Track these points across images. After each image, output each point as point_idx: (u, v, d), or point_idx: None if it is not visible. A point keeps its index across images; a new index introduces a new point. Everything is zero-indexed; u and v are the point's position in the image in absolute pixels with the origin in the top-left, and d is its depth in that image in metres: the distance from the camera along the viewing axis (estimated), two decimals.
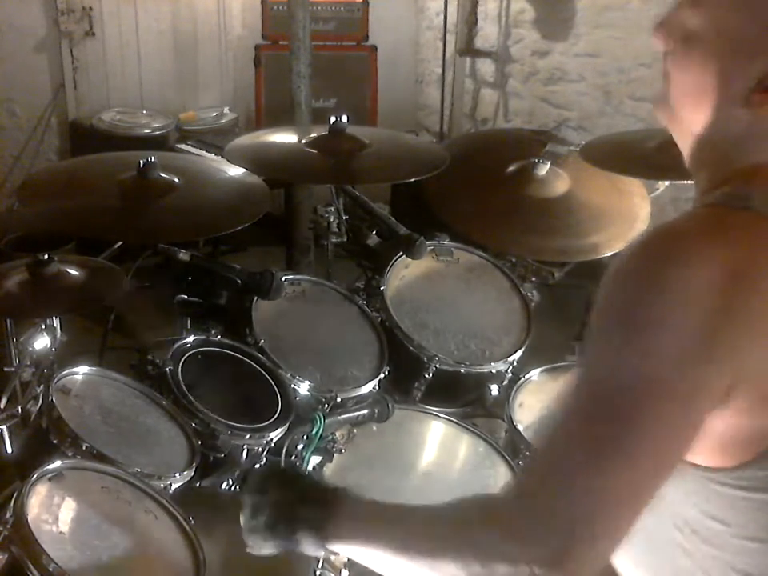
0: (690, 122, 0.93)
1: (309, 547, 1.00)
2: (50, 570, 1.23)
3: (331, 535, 0.96)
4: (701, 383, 0.77)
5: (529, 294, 2.31)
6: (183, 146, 4.06)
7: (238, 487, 1.78)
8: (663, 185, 2.42)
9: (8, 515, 1.28)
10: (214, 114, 4.55)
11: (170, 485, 1.58)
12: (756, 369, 0.79)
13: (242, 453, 1.77)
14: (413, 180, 2.27)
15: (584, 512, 0.75)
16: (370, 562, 0.93)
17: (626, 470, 0.76)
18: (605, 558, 0.78)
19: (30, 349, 1.96)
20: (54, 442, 1.53)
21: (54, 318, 1.97)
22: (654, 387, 0.76)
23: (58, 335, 1.98)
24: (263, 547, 1.07)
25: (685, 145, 0.96)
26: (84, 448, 1.52)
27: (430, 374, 2.08)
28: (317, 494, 1.01)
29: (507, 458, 1.84)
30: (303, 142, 2.32)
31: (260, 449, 1.79)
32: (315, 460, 1.66)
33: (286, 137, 2.42)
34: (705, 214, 0.86)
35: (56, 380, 1.64)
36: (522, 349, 2.17)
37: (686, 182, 2.35)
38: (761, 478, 0.83)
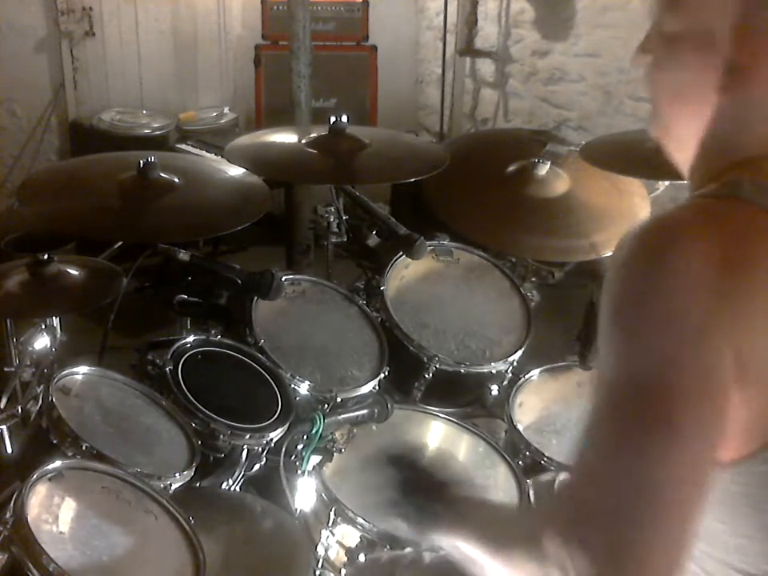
0: (680, 127, 0.95)
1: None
2: (50, 570, 1.23)
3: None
4: (715, 361, 0.77)
5: (529, 294, 2.31)
6: (183, 146, 4.06)
7: (238, 487, 1.79)
8: (663, 185, 2.42)
9: (8, 515, 1.27)
10: (214, 114, 4.55)
11: (170, 485, 1.58)
12: (753, 355, 0.79)
13: (241, 453, 1.77)
14: (413, 180, 2.27)
15: (635, 518, 0.74)
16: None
17: (668, 464, 0.75)
18: (674, 563, 0.76)
19: (30, 349, 1.97)
20: (54, 442, 1.53)
21: (53, 318, 1.97)
22: (675, 373, 0.76)
23: (58, 335, 1.98)
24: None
25: (682, 160, 0.98)
26: (84, 448, 1.51)
27: (430, 374, 2.08)
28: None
29: (507, 458, 1.83)
30: (303, 141, 2.32)
31: (260, 449, 1.79)
32: (315, 460, 1.66)
33: (285, 137, 2.42)
34: (695, 204, 0.88)
35: (56, 380, 1.64)
36: (522, 349, 2.17)
37: (686, 182, 2.36)
38: (756, 475, 0.83)
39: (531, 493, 1.68)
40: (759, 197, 0.83)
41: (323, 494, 1.64)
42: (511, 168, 2.49)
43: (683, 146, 0.97)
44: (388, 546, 1.56)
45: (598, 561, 0.73)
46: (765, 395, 0.81)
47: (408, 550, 1.52)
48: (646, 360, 0.78)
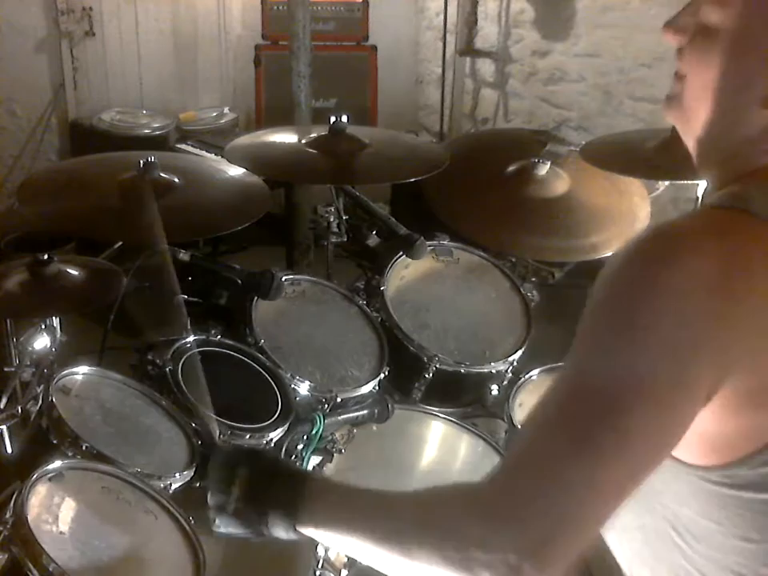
0: (701, 121, 0.91)
1: (278, 529, 0.93)
2: (50, 570, 1.23)
3: (303, 517, 0.91)
4: (687, 383, 0.77)
5: (529, 294, 2.31)
6: (183, 146, 4.06)
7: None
8: (663, 185, 2.42)
9: (8, 515, 1.28)
10: (214, 114, 4.55)
11: (170, 485, 1.58)
12: (744, 366, 0.79)
13: None
14: (413, 180, 2.27)
15: (565, 507, 0.75)
16: (345, 548, 0.90)
17: (608, 466, 0.76)
18: (579, 551, 0.77)
19: (30, 349, 1.96)
20: (54, 442, 1.53)
21: (53, 317, 1.97)
22: (640, 385, 0.76)
23: (58, 335, 1.98)
24: (230, 526, 0.99)
25: (692, 144, 0.95)
26: (84, 448, 1.51)
27: (430, 374, 2.07)
28: (288, 473, 0.97)
29: None
30: (303, 141, 2.32)
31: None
32: (315, 460, 1.66)
33: (285, 137, 2.42)
34: (701, 215, 0.87)
35: (56, 380, 1.64)
36: (522, 349, 2.17)
37: (685, 182, 2.36)
38: (750, 477, 0.83)
39: None
40: (764, 209, 0.81)
41: None
42: (511, 168, 2.49)
43: (698, 138, 0.93)
44: None
45: (522, 549, 0.74)
46: (754, 404, 0.81)
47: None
48: (628, 361, 0.77)
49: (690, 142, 0.96)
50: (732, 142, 0.90)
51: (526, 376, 2.09)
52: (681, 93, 0.93)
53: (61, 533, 1.32)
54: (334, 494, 0.94)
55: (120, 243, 2.34)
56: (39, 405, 1.72)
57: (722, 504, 0.86)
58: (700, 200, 2.28)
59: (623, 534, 0.97)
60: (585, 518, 0.77)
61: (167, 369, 1.77)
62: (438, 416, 1.96)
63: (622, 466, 0.76)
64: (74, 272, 1.95)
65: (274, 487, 0.95)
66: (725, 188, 0.88)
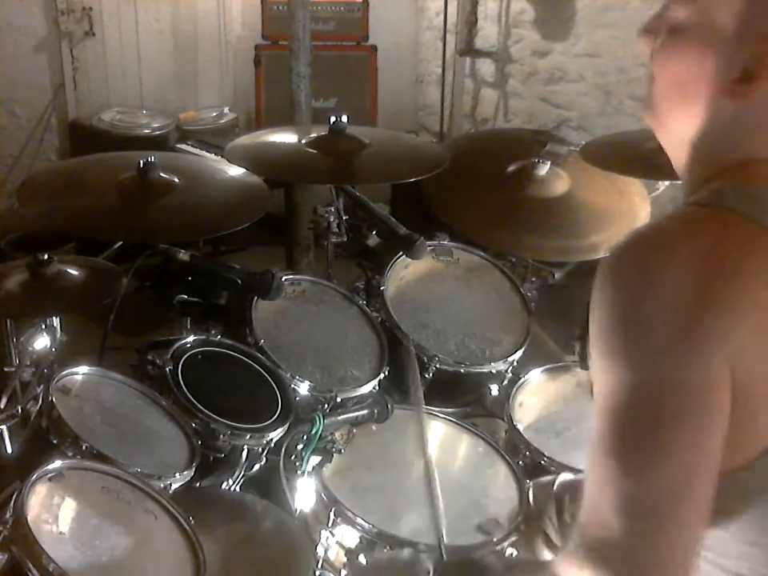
0: (673, 121, 0.93)
1: None
2: (50, 570, 1.23)
3: None
4: (706, 371, 0.77)
5: (529, 294, 2.31)
6: (183, 146, 4.06)
7: (238, 487, 1.79)
8: (663, 185, 2.42)
9: (8, 515, 1.27)
10: (214, 114, 4.55)
11: (170, 485, 1.58)
12: (741, 361, 0.79)
13: (241, 453, 1.77)
14: (413, 180, 2.27)
15: (657, 537, 0.77)
16: None
17: (667, 479, 0.77)
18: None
19: (30, 349, 1.97)
20: (54, 441, 1.53)
21: (53, 317, 1.97)
22: (666, 387, 0.77)
23: (58, 335, 1.98)
24: None
25: (670, 148, 0.96)
26: (84, 448, 1.51)
27: (430, 374, 2.07)
28: None
29: (507, 458, 1.83)
30: (303, 142, 2.32)
31: (260, 449, 1.79)
32: (315, 460, 1.66)
33: (285, 137, 2.42)
34: (683, 213, 0.87)
35: (56, 380, 1.64)
36: (522, 349, 2.17)
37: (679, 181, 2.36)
38: (755, 482, 0.83)
39: (531, 495, 1.68)
40: (741, 205, 0.82)
41: (323, 495, 1.64)
42: (511, 168, 2.49)
43: (673, 139, 0.94)
44: (388, 547, 1.56)
45: None
46: (753, 405, 0.81)
47: (407, 551, 1.52)
48: (636, 377, 0.78)
49: (665, 143, 0.97)
50: (705, 139, 0.90)
51: (526, 376, 2.09)
52: (651, 94, 0.94)
53: (61, 533, 1.32)
54: None
55: (120, 243, 2.35)
56: (39, 405, 1.72)
57: (729, 509, 0.85)
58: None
59: None
60: (672, 543, 0.77)
61: (167, 369, 1.77)
62: (438, 416, 1.96)
63: (683, 475, 0.77)
64: (73, 272, 1.95)
65: None
66: (703, 186, 0.88)
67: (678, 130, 0.92)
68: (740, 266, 0.79)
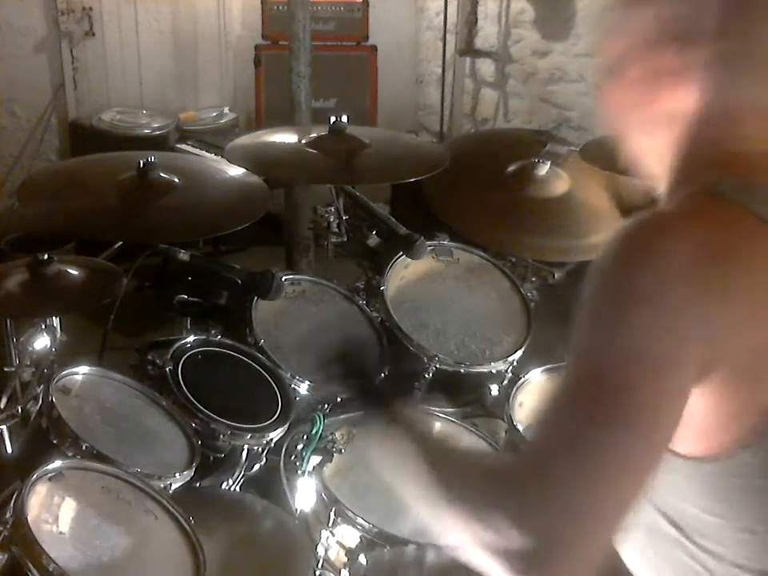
0: (640, 143, 0.99)
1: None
2: (50, 570, 1.23)
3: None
4: (677, 358, 0.78)
5: (529, 294, 2.31)
6: (183, 146, 4.06)
7: (238, 487, 1.79)
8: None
9: (8, 515, 1.28)
10: (214, 114, 4.55)
11: (170, 485, 1.58)
12: (733, 346, 0.80)
13: (242, 453, 1.77)
14: (413, 180, 2.27)
15: (580, 497, 0.76)
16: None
17: (616, 447, 0.76)
18: (598, 545, 0.78)
19: (30, 349, 1.97)
20: (54, 441, 1.53)
21: (53, 317, 1.97)
22: (631, 363, 0.78)
23: (58, 335, 1.98)
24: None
25: (644, 168, 1.00)
26: (84, 448, 1.51)
27: (430, 374, 2.07)
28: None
29: None
30: (303, 142, 2.32)
31: (260, 449, 1.79)
32: (315, 460, 1.66)
33: (286, 137, 2.42)
34: (681, 202, 0.89)
35: (56, 380, 1.64)
36: (522, 349, 2.17)
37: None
38: (754, 466, 0.83)
39: None
40: (739, 194, 0.84)
41: (323, 495, 1.64)
42: (511, 168, 2.49)
43: (646, 158, 0.99)
44: (388, 547, 1.56)
45: (535, 550, 0.74)
46: (746, 389, 0.81)
47: (410, 548, 1.52)
48: (608, 352, 0.79)
49: (641, 166, 1.01)
50: (664, 147, 0.94)
51: (526, 376, 2.09)
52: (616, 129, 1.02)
53: (61, 533, 1.32)
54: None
55: (120, 243, 2.35)
56: (39, 405, 1.72)
57: (724, 496, 0.86)
58: None
59: (626, 534, 0.97)
60: (601, 508, 0.77)
61: (167, 369, 1.77)
62: (438, 416, 1.96)
63: (629, 446, 0.77)
64: (74, 272, 1.95)
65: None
66: (688, 182, 0.90)
67: (646, 148, 0.99)
68: (734, 252, 0.81)
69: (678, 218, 0.85)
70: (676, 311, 0.78)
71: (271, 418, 1.80)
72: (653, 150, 0.97)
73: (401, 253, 2.23)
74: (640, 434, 0.77)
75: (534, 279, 2.52)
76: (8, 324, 2.08)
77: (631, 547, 0.99)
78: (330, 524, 1.61)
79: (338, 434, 1.69)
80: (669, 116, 0.92)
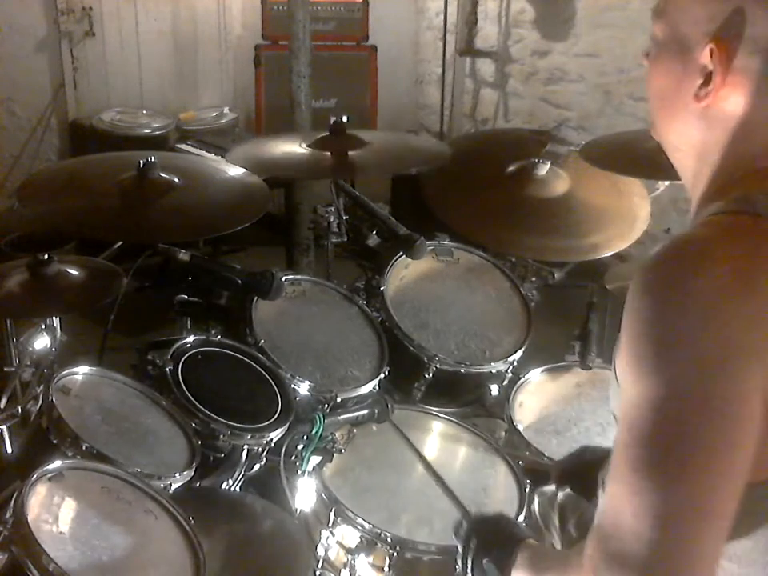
0: (665, 133, 0.97)
1: None
2: (50, 570, 1.23)
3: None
4: (738, 387, 0.76)
5: (529, 294, 2.31)
6: (183, 146, 4.06)
7: (238, 487, 1.78)
8: (663, 185, 2.42)
9: (8, 515, 1.27)
10: (214, 114, 4.56)
11: (170, 485, 1.58)
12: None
13: (242, 453, 1.77)
14: (413, 180, 2.27)
15: (676, 545, 0.76)
16: None
17: (694, 491, 0.76)
18: None
19: (30, 349, 1.97)
20: (54, 441, 1.53)
21: (53, 317, 1.97)
22: (695, 402, 0.76)
23: (58, 335, 1.98)
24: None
25: (675, 161, 0.99)
26: (84, 448, 1.51)
27: (430, 374, 2.07)
28: (507, 541, 1.16)
29: (507, 458, 1.84)
30: (305, 145, 2.33)
31: (260, 449, 1.79)
32: (315, 460, 1.66)
33: (287, 145, 2.42)
34: (710, 223, 0.86)
35: (56, 380, 1.64)
36: (522, 349, 2.17)
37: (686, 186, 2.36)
38: None
39: (536, 505, 1.68)
40: None
41: (323, 495, 1.64)
42: (511, 168, 2.49)
43: (676, 152, 0.97)
44: (388, 547, 1.56)
45: None
46: None
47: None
48: (666, 390, 0.77)
49: (670, 157, 0.99)
50: (701, 150, 0.92)
51: (526, 376, 2.09)
52: (650, 111, 0.98)
53: (61, 533, 1.32)
54: (524, 554, 1.11)
55: (120, 243, 2.35)
56: (39, 405, 1.72)
57: (758, 521, 0.85)
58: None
59: None
60: (696, 549, 0.77)
61: (167, 369, 1.77)
62: (438, 416, 1.96)
63: (708, 489, 0.76)
64: (74, 272, 1.95)
65: (495, 551, 1.16)
66: (720, 196, 0.88)
67: (676, 142, 0.96)
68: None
69: (708, 241, 0.82)
70: (725, 338, 0.76)
71: (271, 418, 1.80)
72: (688, 143, 0.94)
73: (401, 253, 2.23)
74: (720, 470, 0.76)
75: (533, 279, 2.52)
76: (8, 324, 2.08)
77: None
78: (330, 524, 1.61)
79: (338, 434, 1.69)
80: (711, 115, 0.90)
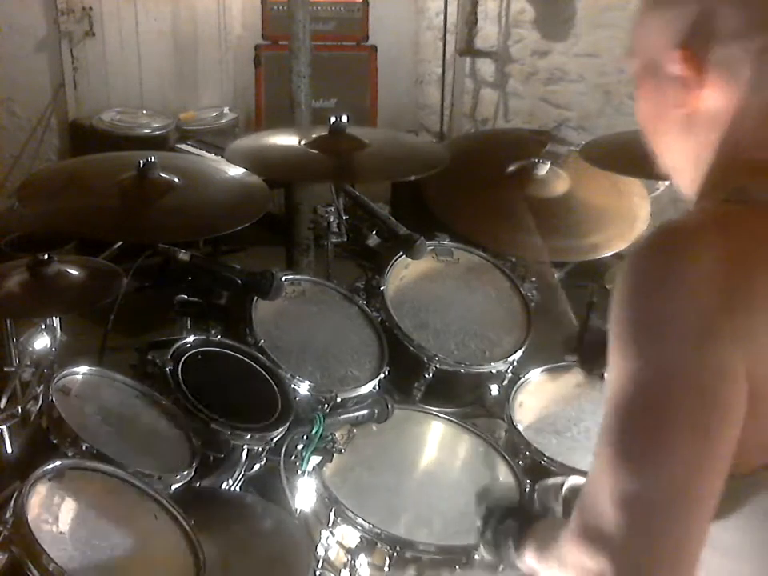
0: (667, 158, 0.97)
1: (512, 556, 1.20)
2: (50, 569, 1.23)
3: (522, 547, 1.17)
4: (721, 369, 0.76)
5: (529, 294, 2.31)
6: (183, 146, 4.07)
7: (238, 487, 1.78)
8: (663, 185, 2.42)
9: (8, 515, 1.27)
10: (214, 114, 4.56)
11: (170, 485, 1.58)
12: (758, 359, 0.78)
13: (242, 453, 1.77)
14: (413, 180, 2.27)
15: (654, 528, 0.77)
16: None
17: (675, 466, 0.76)
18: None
19: (30, 349, 1.97)
20: (54, 441, 1.53)
21: (53, 317, 1.97)
22: (677, 379, 0.76)
23: (58, 335, 1.98)
24: (489, 554, 1.29)
25: (679, 182, 0.99)
26: (84, 448, 1.51)
27: (430, 374, 2.07)
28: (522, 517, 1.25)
29: (507, 458, 1.84)
30: (303, 143, 2.32)
31: (260, 449, 1.79)
32: (315, 460, 1.66)
33: (286, 140, 2.42)
34: (702, 210, 0.88)
35: (56, 380, 1.64)
36: (522, 349, 2.17)
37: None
38: None
39: (536, 498, 1.68)
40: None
41: (323, 495, 1.64)
42: (511, 168, 2.49)
43: (678, 173, 0.97)
44: (388, 547, 1.56)
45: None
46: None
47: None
48: (648, 370, 0.77)
49: (677, 181, 0.99)
50: (690, 159, 0.93)
51: (526, 376, 2.09)
52: (648, 143, 0.99)
53: (61, 533, 1.32)
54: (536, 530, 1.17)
55: (120, 243, 2.35)
56: (39, 405, 1.72)
57: (749, 511, 0.84)
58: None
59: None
60: (678, 531, 0.77)
61: (167, 369, 1.77)
62: (438, 416, 1.96)
63: (689, 464, 0.76)
64: (74, 272, 1.95)
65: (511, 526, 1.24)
66: (713, 192, 0.89)
67: (673, 163, 0.97)
68: (759, 258, 0.79)
69: (707, 228, 0.82)
70: (711, 320, 0.76)
71: (271, 418, 1.80)
72: (682, 155, 0.95)
73: (401, 253, 2.23)
74: (701, 453, 0.76)
75: (533, 279, 2.52)
76: (8, 324, 2.08)
77: None
78: (330, 524, 1.61)
79: (338, 434, 1.69)
80: (697, 119, 0.90)
